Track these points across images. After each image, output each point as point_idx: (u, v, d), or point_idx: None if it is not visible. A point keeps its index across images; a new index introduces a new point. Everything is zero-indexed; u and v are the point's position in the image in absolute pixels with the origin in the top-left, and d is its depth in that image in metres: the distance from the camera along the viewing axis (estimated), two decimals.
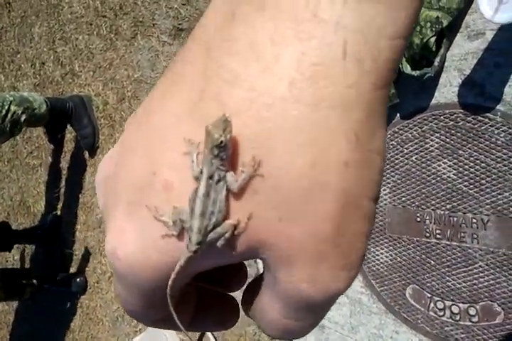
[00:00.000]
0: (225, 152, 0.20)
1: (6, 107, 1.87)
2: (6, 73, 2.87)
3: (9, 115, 1.87)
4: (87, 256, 2.35)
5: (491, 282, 1.20)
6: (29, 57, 2.70)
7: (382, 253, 1.40)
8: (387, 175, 1.39)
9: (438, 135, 1.29)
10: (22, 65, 2.76)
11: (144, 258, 0.22)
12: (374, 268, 1.42)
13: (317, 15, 0.19)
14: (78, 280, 2.32)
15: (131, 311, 0.25)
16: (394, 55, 0.20)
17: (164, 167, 0.21)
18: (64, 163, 2.48)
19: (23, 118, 1.93)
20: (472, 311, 1.21)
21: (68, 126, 2.35)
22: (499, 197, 1.19)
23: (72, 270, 2.40)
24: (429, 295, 1.30)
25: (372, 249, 1.42)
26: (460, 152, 1.25)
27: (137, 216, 0.22)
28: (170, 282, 0.22)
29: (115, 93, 2.21)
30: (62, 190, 2.51)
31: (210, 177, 0.21)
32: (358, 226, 0.21)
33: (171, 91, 0.22)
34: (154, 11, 2.03)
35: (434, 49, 1.24)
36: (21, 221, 2.75)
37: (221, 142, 0.20)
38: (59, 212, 2.51)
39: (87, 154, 2.34)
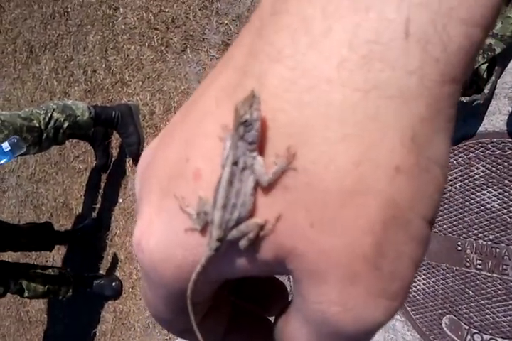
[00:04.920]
0: (251, 133, 0.18)
1: (49, 114, 1.99)
2: (59, 78, 2.98)
3: (52, 122, 1.99)
4: (124, 261, 2.39)
5: None
6: (82, 65, 2.80)
7: (419, 280, 1.38)
8: None
9: (484, 163, 1.26)
10: (74, 72, 2.86)
11: (166, 254, 0.19)
12: (410, 295, 1.39)
13: None
14: (114, 284, 2.36)
15: (156, 316, 0.23)
16: (468, 46, 0.16)
17: (198, 154, 0.19)
18: (108, 169, 2.55)
19: (65, 124, 2.02)
20: None
21: (115, 133, 2.42)
22: None
23: (109, 274, 2.45)
24: (467, 327, 1.27)
25: None
26: (506, 182, 1.22)
27: (166, 207, 0.20)
28: (190, 284, 0.20)
29: (162, 103, 2.26)
30: (105, 195, 2.57)
31: (235, 163, 0.18)
32: (406, 248, 0.17)
33: (217, 76, 0.20)
34: (205, 25, 2.07)
35: (485, 76, 1.22)
36: (63, 222, 2.83)
37: (246, 120, 0.18)
38: (100, 216, 2.57)
39: (130, 161, 2.39)
